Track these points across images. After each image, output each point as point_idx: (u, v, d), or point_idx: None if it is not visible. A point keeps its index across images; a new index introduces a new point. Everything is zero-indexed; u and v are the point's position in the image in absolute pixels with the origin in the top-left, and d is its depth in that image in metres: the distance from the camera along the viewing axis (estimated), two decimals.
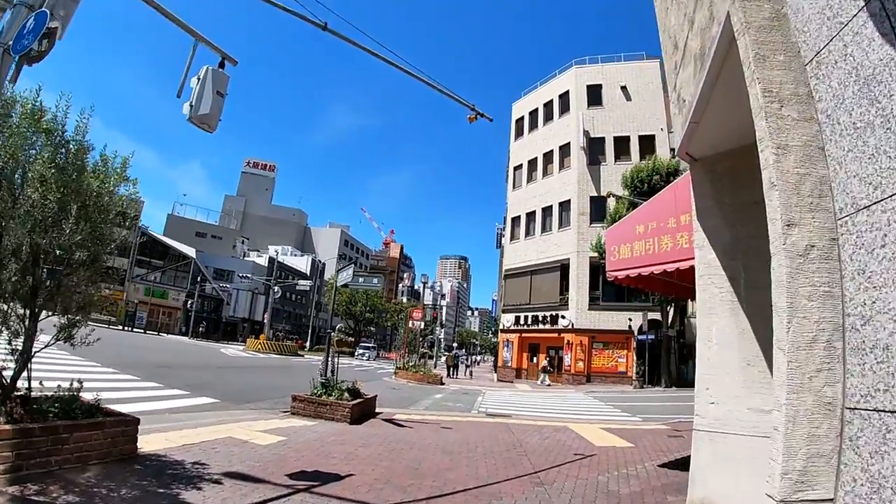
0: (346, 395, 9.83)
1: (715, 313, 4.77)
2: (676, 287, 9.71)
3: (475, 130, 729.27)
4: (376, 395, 11.68)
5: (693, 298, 10.88)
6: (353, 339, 67.25)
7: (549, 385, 28.98)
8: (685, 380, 28.84)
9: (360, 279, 12.22)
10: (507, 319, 38.05)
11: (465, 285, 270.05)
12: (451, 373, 36.61)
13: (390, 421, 10.22)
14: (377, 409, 11.23)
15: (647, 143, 32.80)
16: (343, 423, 9.01)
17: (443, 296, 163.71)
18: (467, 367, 35.35)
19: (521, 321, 35.97)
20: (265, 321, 55.27)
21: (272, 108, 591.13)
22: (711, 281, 4.86)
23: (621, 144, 33.80)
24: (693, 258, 5.41)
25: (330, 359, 11.27)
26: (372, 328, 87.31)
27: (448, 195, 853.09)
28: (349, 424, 9.00)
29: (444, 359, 41.87)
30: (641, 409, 17.12)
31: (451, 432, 9.57)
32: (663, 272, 6.37)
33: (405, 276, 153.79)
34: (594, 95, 35.90)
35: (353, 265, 12.05)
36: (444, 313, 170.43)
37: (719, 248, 4.88)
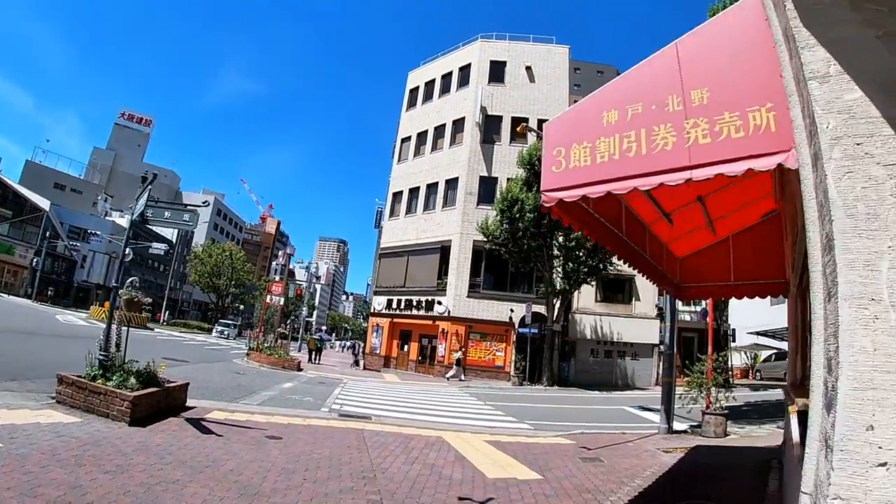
0: (131, 381, 6.97)
1: (886, 228, 1.77)
2: (655, 248, 6.99)
3: (373, 110, 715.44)
4: (187, 384, 8.51)
5: (670, 286, 8.27)
6: (150, 301, 61.13)
7: (462, 380, 26.00)
8: (566, 379, 27.55)
9: (167, 213, 8.32)
10: (378, 302, 34.68)
11: (342, 269, 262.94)
12: (312, 358, 32.65)
13: (197, 422, 7.21)
14: (189, 403, 8.37)
15: None
16: (119, 423, 6.34)
17: (318, 277, 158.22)
18: (355, 356, 31.50)
19: (394, 305, 32.80)
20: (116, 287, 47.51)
21: (156, 58, 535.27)
22: (864, 151, 1.85)
23: (519, 125, 31.73)
24: (724, 161, 3.03)
25: (115, 327, 7.75)
26: (239, 305, 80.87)
27: (336, 175, 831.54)
28: (128, 425, 6.32)
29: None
30: (529, 413, 14.61)
31: (277, 447, 6.58)
32: (659, 188, 3.42)
33: (280, 253, 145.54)
34: (497, 72, 33.55)
35: (149, 189, 8.05)
36: (318, 296, 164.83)
37: (873, 80, 1.92)
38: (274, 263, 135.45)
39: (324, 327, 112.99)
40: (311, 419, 9.41)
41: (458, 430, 10.00)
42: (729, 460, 8.51)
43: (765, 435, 11.30)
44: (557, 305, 25.96)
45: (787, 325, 27.22)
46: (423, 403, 15.24)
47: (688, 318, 29.67)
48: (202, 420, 7.44)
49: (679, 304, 29.41)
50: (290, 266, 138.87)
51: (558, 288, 25.27)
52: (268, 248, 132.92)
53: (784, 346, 31.33)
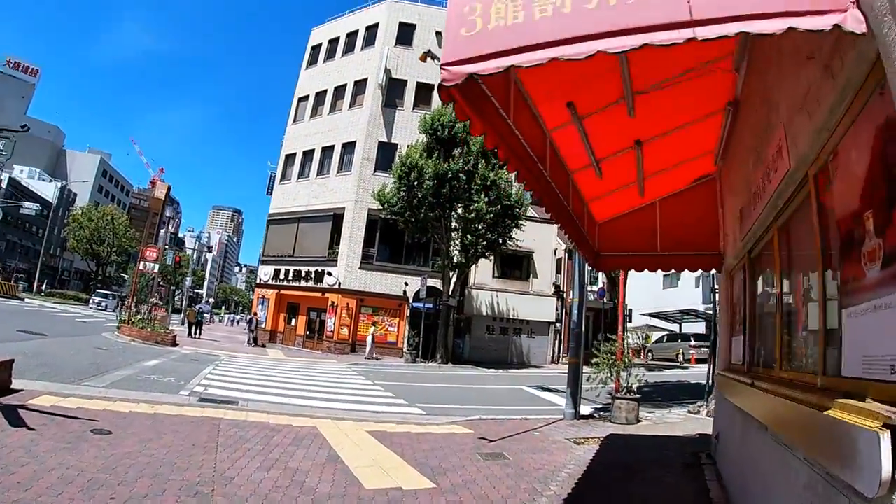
0: None
1: None
2: (577, 206, 5.93)
3: (279, 76, 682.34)
4: (10, 361, 7.17)
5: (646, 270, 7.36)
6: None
7: (376, 359, 23.89)
8: (461, 356, 26.55)
9: None
10: (265, 272, 31.92)
11: (235, 240, 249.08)
12: (192, 331, 29.65)
13: (11, 410, 5.89)
14: (17, 385, 7.16)
15: None
16: None
17: (209, 248, 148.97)
18: (251, 331, 28.43)
19: (282, 276, 30.21)
20: None
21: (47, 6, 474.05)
22: None
23: (424, 93, 29.98)
24: (746, 16, 1.88)
25: None
26: (123, 275, 73.84)
27: (235, 142, 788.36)
28: None
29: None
30: (421, 395, 13.23)
31: (99, 446, 5.19)
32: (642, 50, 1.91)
33: (170, 221, 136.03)
34: (405, 35, 31.47)
35: None
36: (209, 267, 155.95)
37: None
38: (162, 231, 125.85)
39: (211, 300, 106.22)
40: (161, 405, 7.67)
41: (338, 419, 8.52)
42: (652, 454, 7.44)
43: (678, 421, 10.59)
44: (454, 280, 24.79)
45: (680, 309, 27.66)
46: (305, 384, 13.48)
47: (588, 297, 29.70)
48: (21, 407, 6.09)
49: (561, 280, 29.31)
50: (181, 234, 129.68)
51: (455, 261, 24.07)
52: (156, 215, 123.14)
53: (675, 328, 32.37)
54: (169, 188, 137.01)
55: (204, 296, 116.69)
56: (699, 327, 31.78)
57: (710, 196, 6.68)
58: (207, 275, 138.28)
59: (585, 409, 10.82)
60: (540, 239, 27.71)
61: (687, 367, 25.41)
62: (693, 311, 28.86)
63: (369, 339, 24.46)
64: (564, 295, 28.32)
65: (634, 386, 10.21)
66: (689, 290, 34.02)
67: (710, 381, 11.06)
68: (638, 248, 7.23)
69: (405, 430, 7.91)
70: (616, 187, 6.06)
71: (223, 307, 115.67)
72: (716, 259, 6.79)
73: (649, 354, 31.12)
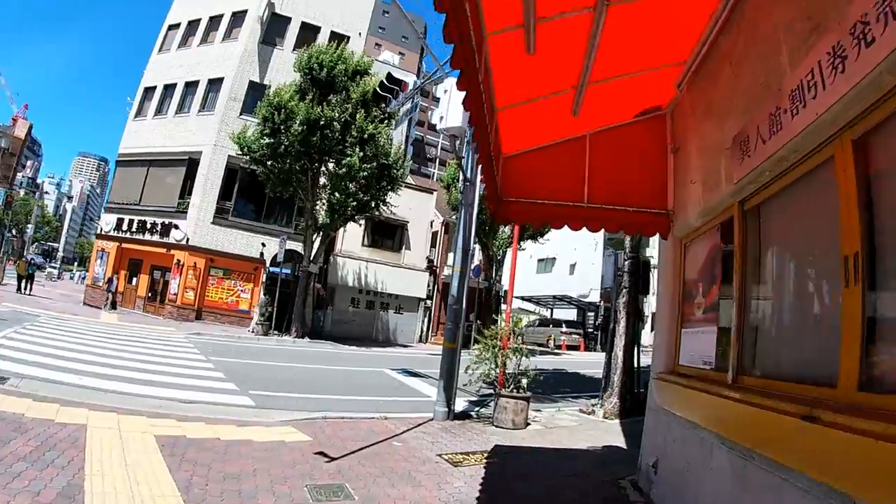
0: None
1: None
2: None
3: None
4: None
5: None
6: None
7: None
8: (320, 330, 23.92)
9: None
10: (107, 221, 27.32)
11: (99, 191, 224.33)
12: (22, 286, 25.73)
13: None
14: None
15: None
16: None
17: (69, 197, 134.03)
18: (111, 293, 24.11)
19: (125, 226, 25.92)
20: None
21: None
22: None
23: (308, 33, 26.81)
24: None
25: None
26: None
27: (109, 86, 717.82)
28: None
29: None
30: (261, 377, 10.76)
31: None
32: None
33: (28, 164, 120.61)
34: None
35: None
36: (68, 218, 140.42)
37: None
38: (20, 175, 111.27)
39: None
40: None
41: (128, 412, 6.11)
42: (556, 482, 5.45)
43: (573, 425, 8.76)
44: (317, 243, 22.18)
45: (553, 294, 26.74)
46: (117, 357, 10.55)
47: None
48: None
49: (435, 255, 27.53)
50: (40, 180, 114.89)
51: (320, 222, 21.50)
52: (14, 156, 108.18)
53: (546, 313, 32.11)
54: (30, 127, 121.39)
55: (60, 249, 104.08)
56: (570, 314, 31.78)
57: (656, 138, 4.98)
58: (66, 227, 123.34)
59: (460, 403, 8.86)
60: (417, 208, 25.78)
61: (559, 354, 24.93)
62: (566, 297, 28.58)
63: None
64: (438, 270, 26.73)
65: (524, 381, 8.13)
66: (563, 277, 34.03)
67: (610, 376, 9.74)
68: (558, 195, 5.15)
69: (214, 436, 5.57)
70: (548, 91, 4.06)
71: (76, 263, 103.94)
72: (661, 220, 4.99)
73: (519, 338, 30.54)
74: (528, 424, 8.04)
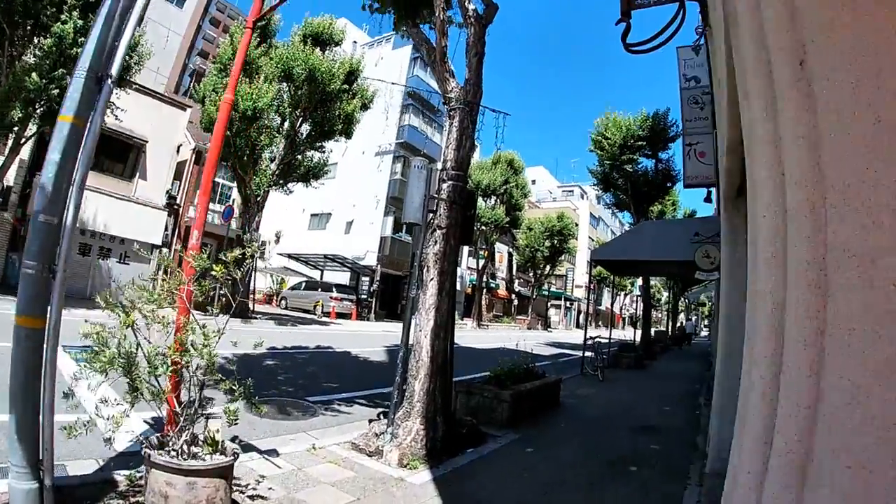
0: None
1: None
2: None
3: None
4: None
5: None
6: None
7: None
8: (10, 282, 16.67)
9: None
10: None
11: None
12: None
13: None
14: None
15: None
16: None
17: None
18: None
19: None
20: None
21: None
22: None
23: None
24: None
25: None
26: None
27: None
28: None
29: None
30: None
31: None
32: None
33: None
34: None
35: None
36: None
37: None
38: None
39: None
40: None
41: None
42: None
43: (343, 479, 3.99)
44: (6, 153, 15.80)
45: (325, 254, 22.89)
46: None
47: (208, 219, 23.11)
48: None
49: (180, 190, 22.03)
50: None
51: (13, 119, 15.18)
52: None
53: (316, 275, 29.02)
54: None
55: None
56: (343, 277, 29.45)
57: None
58: None
59: (93, 446, 3.60)
60: (159, 126, 20.06)
61: (328, 324, 21.68)
62: (339, 257, 26.02)
63: None
64: (181, 211, 21.66)
65: (238, 393, 3.13)
66: (338, 235, 31.50)
67: (408, 379, 5.10)
68: None
69: None
70: None
71: None
72: None
73: (283, 302, 27.23)
74: None
